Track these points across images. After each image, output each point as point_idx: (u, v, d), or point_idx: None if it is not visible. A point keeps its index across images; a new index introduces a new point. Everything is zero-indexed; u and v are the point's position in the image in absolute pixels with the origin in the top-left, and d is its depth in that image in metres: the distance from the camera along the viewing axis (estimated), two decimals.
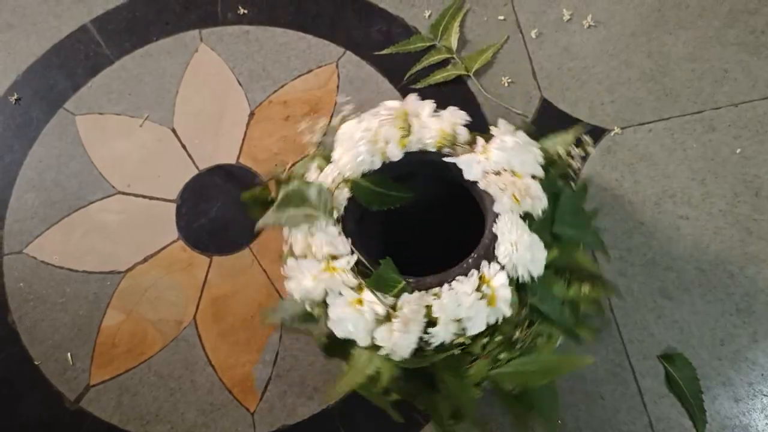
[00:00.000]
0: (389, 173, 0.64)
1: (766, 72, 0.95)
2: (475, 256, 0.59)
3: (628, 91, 0.96)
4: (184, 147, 1.01)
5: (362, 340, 0.57)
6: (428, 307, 0.56)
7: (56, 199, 0.99)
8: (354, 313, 0.56)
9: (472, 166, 0.61)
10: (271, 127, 1.00)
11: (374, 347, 0.57)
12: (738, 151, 0.92)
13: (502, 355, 0.61)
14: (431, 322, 0.56)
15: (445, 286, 0.58)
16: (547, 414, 0.65)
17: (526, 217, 0.59)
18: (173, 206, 0.98)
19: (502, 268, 0.57)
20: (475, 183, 0.61)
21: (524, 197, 0.58)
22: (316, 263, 0.59)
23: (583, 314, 0.64)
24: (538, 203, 0.59)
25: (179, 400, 0.88)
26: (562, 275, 0.63)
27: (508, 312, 0.56)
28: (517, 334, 0.60)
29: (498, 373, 0.61)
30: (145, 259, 0.95)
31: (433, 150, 0.62)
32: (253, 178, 0.98)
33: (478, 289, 0.56)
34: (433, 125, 0.62)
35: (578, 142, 0.68)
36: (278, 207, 0.63)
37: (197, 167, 1.00)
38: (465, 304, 0.55)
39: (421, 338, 0.56)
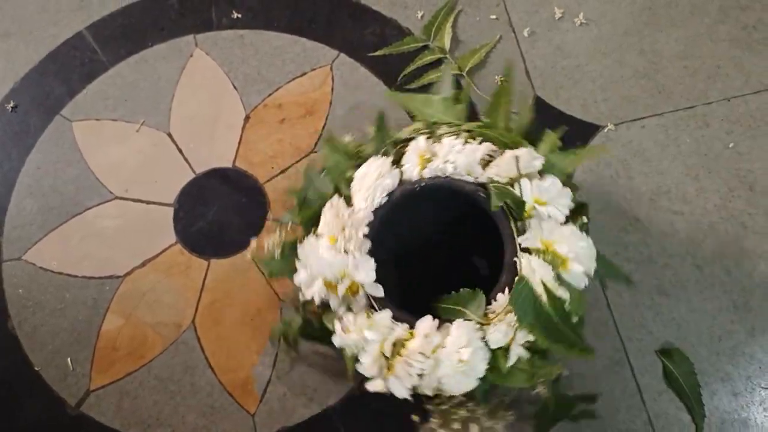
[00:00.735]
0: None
1: (758, 67, 0.95)
2: None
3: (621, 88, 0.97)
4: (180, 151, 1.01)
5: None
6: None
7: (54, 205, 1.00)
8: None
9: None
10: (267, 130, 1.01)
11: None
12: (731, 145, 0.92)
13: None
14: None
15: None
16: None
17: None
18: (170, 210, 0.98)
19: None
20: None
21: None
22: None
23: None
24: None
25: (180, 403, 0.88)
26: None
27: None
28: None
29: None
30: (144, 264, 0.96)
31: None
32: (249, 180, 0.98)
33: None
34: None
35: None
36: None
37: (194, 171, 1.00)
38: None
39: None
